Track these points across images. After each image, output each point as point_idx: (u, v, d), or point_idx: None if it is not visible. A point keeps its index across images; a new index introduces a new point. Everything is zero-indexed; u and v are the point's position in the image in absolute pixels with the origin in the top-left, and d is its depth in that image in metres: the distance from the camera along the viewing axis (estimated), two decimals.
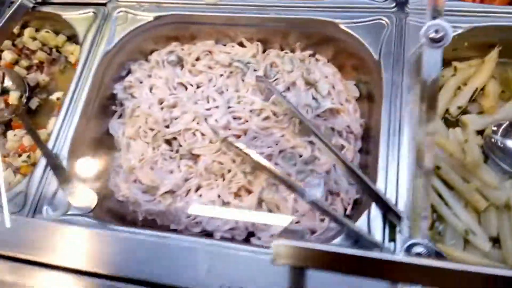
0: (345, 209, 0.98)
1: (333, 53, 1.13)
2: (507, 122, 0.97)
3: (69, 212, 0.92)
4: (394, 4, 1.04)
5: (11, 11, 1.18)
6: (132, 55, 1.20)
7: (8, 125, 1.22)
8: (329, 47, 1.13)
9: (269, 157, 0.97)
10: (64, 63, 1.31)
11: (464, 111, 1.02)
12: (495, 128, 0.97)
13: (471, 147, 0.92)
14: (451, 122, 1.01)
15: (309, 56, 1.15)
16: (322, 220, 0.94)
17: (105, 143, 1.13)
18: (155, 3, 1.15)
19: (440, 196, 0.91)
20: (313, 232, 0.94)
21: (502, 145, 0.95)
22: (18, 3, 1.19)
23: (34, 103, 1.24)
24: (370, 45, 1.00)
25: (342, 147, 1.00)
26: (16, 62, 1.30)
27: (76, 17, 1.19)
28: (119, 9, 1.17)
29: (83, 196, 0.89)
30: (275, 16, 1.08)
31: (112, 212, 1.03)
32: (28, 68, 1.30)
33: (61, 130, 1.03)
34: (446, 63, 1.05)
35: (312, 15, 1.07)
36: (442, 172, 0.93)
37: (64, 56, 1.32)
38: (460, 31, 0.99)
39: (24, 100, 1.22)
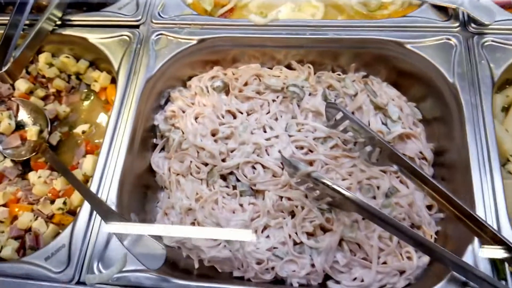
0: None
1: (389, 73, 1.07)
2: None
3: (127, 268, 0.80)
4: (457, 24, 1.00)
5: (30, 37, 1.04)
6: (170, 81, 1.09)
7: (25, 165, 1.07)
8: (385, 68, 1.06)
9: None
10: (86, 91, 1.18)
11: None
12: None
13: None
14: None
15: (363, 77, 1.08)
16: (409, 258, 0.86)
17: (147, 181, 1.01)
18: (198, 25, 1.05)
19: None
20: (401, 272, 0.85)
21: None
22: (38, 27, 1.05)
23: (55, 138, 1.10)
24: (441, 66, 0.95)
25: None
26: (30, 92, 1.15)
27: (106, 41, 1.07)
28: (156, 32, 1.06)
29: (148, 248, 0.77)
30: (333, 36, 1.01)
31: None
32: (44, 98, 1.16)
33: (105, 170, 0.91)
34: (509, 82, 1.01)
35: (372, 35, 1.01)
36: None
37: (85, 84, 1.19)
38: None
39: (46, 135, 1.08)
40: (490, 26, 0.97)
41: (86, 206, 0.87)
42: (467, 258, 0.77)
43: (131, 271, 0.80)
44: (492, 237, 0.76)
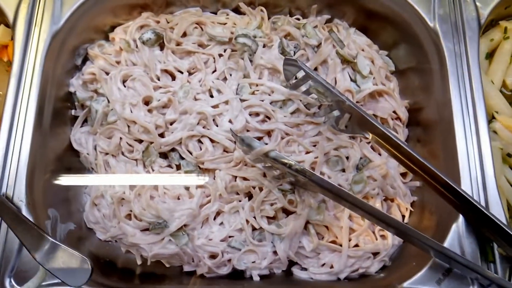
0: (403, 216, 0.80)
1: (356, 16, 0.90)
2: None
3: (48, 282, 0.64)
4: None
5: None
6: (85, 34, 0.85)
7: None
8: (352, 9, 0.89)
9: (312, 166, 0.75)
10: None
11: None
12: None
13: None
14: (506, 96, 0.85)
15: (326, 22, 0.90)
16: (384, 237, 0.76)
17: (68, 163, 0.82)
18: None
19: None
20: (375, 254, 0.75)
21: None
22: None
23: None
24: (419, 6, 0.78)
25: None
26: None
27: None
28: None
29: (68, 261, 0.60)
30: None
31: (95, 257, 0.75)
32: None
33: (8, 156, 0.71)
34: (492, 23, 0.87)
35: None
36: None
37: None
38: None
39: None
40: None
41: None
42: (452, 238, 0.67)
43: (53, 285, 0.65)
44: (479, 215, 0.65)
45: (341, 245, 0.74)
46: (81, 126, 0.84)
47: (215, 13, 0.90)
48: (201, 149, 0.77)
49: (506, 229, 0.62)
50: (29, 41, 0.78)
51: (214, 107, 0.78)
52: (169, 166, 0.79)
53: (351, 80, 0.81)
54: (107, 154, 0.80)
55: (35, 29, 0.78)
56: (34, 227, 0.63)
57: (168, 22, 0.87)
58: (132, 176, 0.77)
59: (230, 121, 0.76)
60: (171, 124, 0.78)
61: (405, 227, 0.64)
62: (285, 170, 0.65)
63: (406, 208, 0.79)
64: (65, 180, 0.80)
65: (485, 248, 0.66)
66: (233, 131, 0.68)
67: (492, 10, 0.78)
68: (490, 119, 0.80)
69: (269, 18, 0.89)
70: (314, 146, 0.77)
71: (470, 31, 0.77)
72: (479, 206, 0.65)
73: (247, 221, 0.75)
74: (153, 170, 0.77)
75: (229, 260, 0.74)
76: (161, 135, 0.78)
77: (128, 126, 0.78)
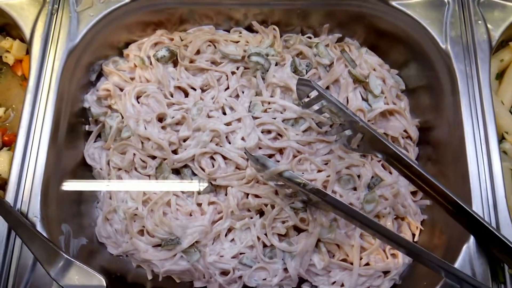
0: (413, 235, 0.80)
1: (367, 36, 0.91)
2: None
3: None
4: None
5: None
6: (100, 51, 0.87)
7: None
8: (364, 29, 0.90)
9: (324, 184, 0.75)
10: None
11: None
12: None
13: None
14: None
15: (337, 41, 0.92)
16: (394, 256, 0.76)
17: (81, 177, 0.83)
18: None
19: None
20: (385, 273, 0.75)
21: None
22: None
23: None
24: (431, 28, 0.79)
25: None
26: None
27: (13, 2, 0.82)
28: None
29: (82, 277, 0.61)
30: None
31: (106, 271, 0.76)
32: None
33: (23, 169, 0.71)
34: (502, 44, 0.88)
35: None
36: None
37: None
38: None
39: None
40: None
41: (2, 226, 0.68)
42: (463, 259, 0.67)
43: None
44: (490, 237, 0.65)
45: (352, 264, 0.74)
46: (95, 141, 0.85)
47: (228, 31, 0.91)
48: (213, 166, 0.77)
49: None
50: (45, 57, 0.79)
51: (227, 124, 0.78)
52: (181, 180, 0.79)
53: (363, 99, 0.82)
54: (120, 169, 0.81)
55: (51, 45, 0.80)
56: (49, 243, 0.63)
57: (182, 40, 0.88)
58: (145, 192, 0.77)
59: (242, 139, 0.77)
60: (184, 141, 0.79)
61: (416, 247, 0.64)
62: (298, 189, 0.66)
63: (417, 227, 0.79)
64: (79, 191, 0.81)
65: (496, 269, 0.66)
66: (247, 150, 0.69)
67: (503, 32, 0.79)
68: (500, 139, 0.80)
69: (281, 37, 0.90)
70: (326, 164, 0.77)
71: (482, 53, 0.78)
72: (490, 227, 0.65)
73: (258, 238, 0.75)
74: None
75: (240, 277, 0.74)
76: (174, 152, 0.78)
77: (142, 143, 0.79)
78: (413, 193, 0.82)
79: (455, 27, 0.79)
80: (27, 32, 0.81)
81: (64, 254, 0.61)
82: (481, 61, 0.77)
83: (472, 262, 0.67)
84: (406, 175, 0.70)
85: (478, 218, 0.65)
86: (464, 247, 0.68)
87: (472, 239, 0.68)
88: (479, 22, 0.79)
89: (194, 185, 0.78)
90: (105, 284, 0.59)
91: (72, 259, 0.61)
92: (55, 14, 0.81)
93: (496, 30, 0.79)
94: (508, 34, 0.83)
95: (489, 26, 0.79)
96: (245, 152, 0.71)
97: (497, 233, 0.64)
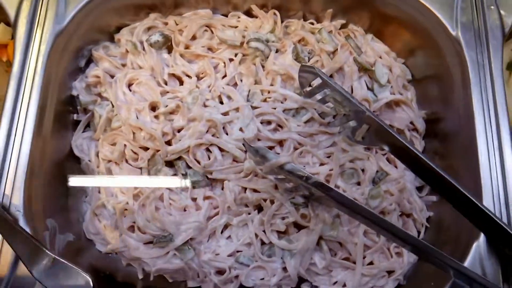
0: (418, 232, 0.76)
1: (372, 22, 0.86)
2: None
3: None
4: None
5: None
6: (89, 35, 0.81)
7: None
8: (369, 14, 0.85)
9: (326, 178, 0.71)
10: None
11: None
12: None
13: None
14: None
15: (341, 27, 0.87)
16: (399, 255, 0.72)
17: (69, 170, 0.78)
18: None
19: None
20: (389, 272, 0.71)
21: None
22: None
23: None
24: (441, 13, 0.75)
25: None
26: None
27: None
28: None
29: (67, 277, 0.56)
30: None
31: (94, 270, 0.71)
32: None
33: (6, 161, 0.67)
34: None
35: None
36: None
37: None
38: None
39: None
40: None
41: None
42: (473, 258, 0.64)
43: None
44: (501, 235, 0.62)
45: (354, 263, 0.70)
46: (83, 132, 0.80)
47: (226, 16, 0.86)
48: (209, 158, 0.73)
49: None
50: (30, 40, 0.74)
51: (224, 114, 0.74)
52: (175, 175, 0.75)
53: (368, 88, 0.77)
54: (110, 161, 0.76)
55: (37, 28, 0.74)
56: (32, 239, 0.59)
57: (176, 24, 0.83)
58: (134, 181, 0.73)
59: (241, 130, 0.73)
60: (178, 131, 0.74)
61: (425, 245, 0.59)
62: (300, 183, 0.62)
63: (422, 224, 0.76)
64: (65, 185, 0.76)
65: (507, 268, 0.62)
66: (245, 141, 0.65)
67: None
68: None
69: (282, 22, 0.85)
70: (329, 157, 0.73)
71: (494, 40, 0.73)
72: (502, 223, 0.61)
73: (256, 235, 0.71)
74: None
75: (237, 277, 0.70)
76: (168, 143, 0.74)
77: (133, 133, 0.74)
78: (419, 189, 0.79)
79: (466, 12, 0.75)
80: (11, 14, 0.75)
81: (48, 252, 0.57)
82: (493, 48, 0.73)
83: (483, 262, 0.63)
84: (414, 168, 0.66)
85: (490, 214, 0.61)
86: (474, 246, 0.64)
87: (482, 237, 0.64)
88: (492, 7, 0.75)
89: (188, 179, 0.73)
90: (91, 284, 0.55)
91: (57, 257, 0.57)
92: None
93: (510, 16, 0.75)
94: None
95: (502, 12, 0.75)
96: (243, 144, 0.67)
97: (509, 230, 0.61)
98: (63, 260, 0.56)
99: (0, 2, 0.77)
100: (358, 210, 0.59)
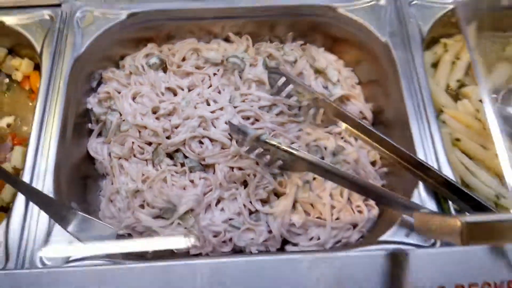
0: None
1: (325, 41, 1.09)
2: (504, 90, 1.02)
3: (73, 257, 0.73)
4: None
5: None
6: (100, 62, 1.02)
7: None
8: (321, 35, 1.08)
9: None
10: (7, 82, 1.07)
11: (462, 85, 1.04)
12: (494, 96, 1.01)
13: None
14: (452, 96, 1.03)
15: (301, 45, 1.09)
16: (360, 212, 0.89)
17: (85, 170, 0.94)
18: None
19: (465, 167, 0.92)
20: (354, 226, 0.87)
21: (503, 111, 1.00)
22: None
23: None
24: (373, 27, 0.98)
25: None
26: None
27: (25, 22, 0.98)
28: (81, 9, 0.98)
29: (95, 231, 0.71)
30: (268, 4, 1.00)
31: None
32: None
33: (37, 160, 0.83)
34: (435, 41, 1.07)
35: (306, 1, 1.02)
36: (461, 143, 0.94)
37: (5, 74, 1.08)
38: (450, 7, 1.02)
39: None
40: None
41: (20, 200, 0.78)
42: (415, 200, 0.81)
43: (79, 260, 0.74)
44: (435, 179, 0.80)
45: (325, 220, 0.86)
46: (97, 137, 0.97)
47: (209, 43, 1.09)
48: (202, 148, 0.91)
49: (457, 185, 0.77)
50: (54, 66, 0.93)
51: (212, 112, 0.93)
52: (175, 165, 0.92)
53: (323, 87, 0.98)
54: (120, 158, 0.93)
55: (59, 56, 0.94)
56: (63, 205, 0.74)
57: (169, 50, 1.05)
58: (143, 173, 0.89)
59: (226, 123, 0.91)
60: (176, 128, 0.92)
61: (381, 189, 0.78)
62: (275, 155, 0.80)
63: None
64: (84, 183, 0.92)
65: (443, 206, 0.80)
66: (230, 122, 0.83)
67: (430, 27, 0.98)
68: (439, 112, 0.97)
69: (253, 45, 1.08)
70: (297, 139, 0.92)
71: (415, 43, 0.96)
72: (434, 169, 0.79)
73: (244, 205, 0.87)
74: (161, 168, 0.90)
75: (230, 239, 0.85)
76: (168, 138, 0.92)
77: (139, 131, 0.92)
78: (372, 164, 0.96)
79: (392, 24, 0.98)
80: (38, 47, 0.96)
81: (78, 212, 0.72)
82: (415, 49, 0.95)
83: (423, 203, 0.80)
84: (365, 141, 0.85)
85: (424, 163, 0.80)
86: (415, 192, 0.81)
87: (420, 184, 0.82)
88: (411, 20, 0.98)
89: (186, 166, 0.90)
90: (116, 232, 0.70)
91: (86, 215, 0.72)
92: (62, 31, 0.96)
93: (425, 25, 0.98)
94: (436, 31, 1.02)
95: (419, 22, 0.98)
96: (229, 125, 0.85)
97: (440, 173, 0.79)
98: (90, 217, 0.72)
99: (28, 39, 0.97)
100: (323, 166, 0.76)
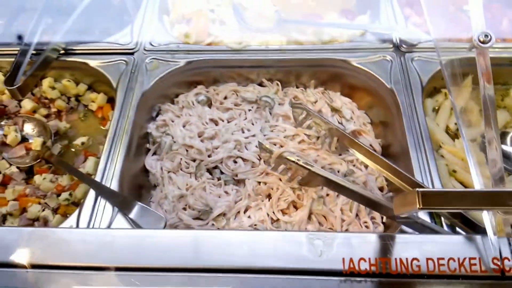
0: (382, 217, 1.08)
1: (342, 88, 1.31)
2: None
3: None
4: (391, 46, 1.27)
5: (37, 64, 1.21)
6: (159, 98, 1.28)
7: (28, 173, 1.20)
8: (338, 83, 1.31)
9: None
10: (84, 111, 1.35)
11: None
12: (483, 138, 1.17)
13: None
14: (451, 135, 1.20)
15: (322, 92, 1.32)
16: (367, 227, 1.04)
17: (141, 180, 1.16)
18: (185, 51, 1.27)
19: None
20: None
21: None
22: (44, 55, 1.23)
23: (56, 149, 1.24)
24: (381, 77, 1.20)
25: None
26: (34, 111, 1.31)
27: (105, 65, 1.27)
28: (150, 57, 1.27)
29: (150, 217, 0.91)
30: (295, 57, 1.25)
31: None
32: (47, 117, 1.31)
33: (105, 171, 1.03)
34: (437, 90, 1.27)
35: (326, 56, 1.25)
36: (457, 174, 1.09)
37: (83, 104, 1.36)
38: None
39: (50, 145, 1.22)
40: (417, 46, 1.25)
41: (91, 196, 1.00)
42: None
43: None
44: None
45: (336, 231, 1.02)
46: (152, 155, 1.20)
47: (246, 86, 1.33)
48: (236, 165, 1.11)
49: None
50: (126, 98, 1.19)
51: (245, 138, 1.15)
52: (212, 178, 1.12)
53: (338, 122, 1.18)
54: (169, 171, 1.15)
55: (131, 92, 1.20)
56: (126, 197, 0.95)
57: (214, 90, 1.30)
58: (187, 183, 1.10)
59: (256, 147, 1.12)
60: (216, 148, 1.14)
61: (383, 201, 0.93)
62: (295, 173, 0.99)
63: None
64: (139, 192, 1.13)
65: (435, 220, 0.94)
66: (260, 142, 1.04)
67: (430, 77, 1.18)
68: (438, 148, 1.14)
69: (282, 90, 1.31)
70: (315, 162, 1.11)
71: (416, 90, 1.16)
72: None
73: (268, 214, 1.05)
74: (201, 179, 1.10)
75: None
76: (209, 156, 1.13)
77: (187, 150, 1.14)
78: (380, 189, 1.13)
79: (396, 75, 1.19)
80: (114, 83, 1.23)
81: (138, 202, 0.93)
82: (415, 95, 1.15)
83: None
84: (373, 165, 1.03)
85: (421, 184, 0.96)
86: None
87: None
88: (413, 72, 1.19)
89: (222, 180, 1.11)
90: (165, 220, 0.89)
91: (145, 205, 0.92)
92: (134, 72, 1.24)
93: (425, 76, 1.19)
94: (435, 81, 1.22)
95: (420, 73, 1.19)
96: (258, 145, 1.05)
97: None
98: (146, 206, 0.92)
99: (107, 77, 1.25)
100: (335, 180, 0.94)
